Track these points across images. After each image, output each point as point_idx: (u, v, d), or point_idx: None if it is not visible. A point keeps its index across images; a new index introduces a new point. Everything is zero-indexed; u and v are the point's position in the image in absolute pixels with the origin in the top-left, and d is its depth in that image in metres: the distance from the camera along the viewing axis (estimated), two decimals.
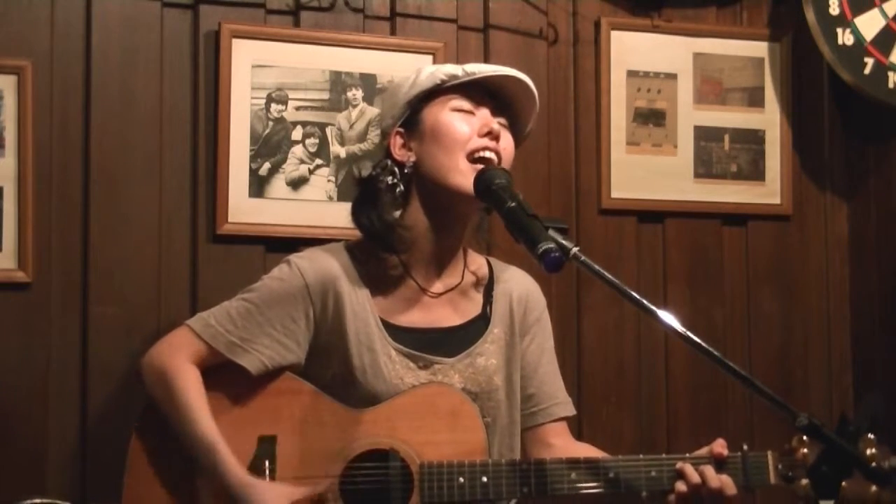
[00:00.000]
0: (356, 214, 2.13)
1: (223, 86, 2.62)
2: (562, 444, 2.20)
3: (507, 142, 2.10)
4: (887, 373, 3.04)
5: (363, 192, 2.15)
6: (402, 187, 2.10)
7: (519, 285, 2.24)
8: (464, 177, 2.03)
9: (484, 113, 2.09)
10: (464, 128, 2.06)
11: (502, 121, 2.11)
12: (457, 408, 2.03)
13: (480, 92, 2.10)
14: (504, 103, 2.13)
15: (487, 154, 2.05)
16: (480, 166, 2.03)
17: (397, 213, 2.12)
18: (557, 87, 2.93)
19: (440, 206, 2.10)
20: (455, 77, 2.08)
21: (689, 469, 1.96)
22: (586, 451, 2.15)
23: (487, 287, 2.21)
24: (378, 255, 2.12)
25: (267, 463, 1.99)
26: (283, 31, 2.70)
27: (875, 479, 1.79)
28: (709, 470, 1.96)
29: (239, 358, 2.04)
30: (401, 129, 2.12)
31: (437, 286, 2.14)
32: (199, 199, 2.63)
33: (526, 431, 2.21)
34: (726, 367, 1.81)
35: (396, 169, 2.10)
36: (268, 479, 1.99)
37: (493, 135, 2.06)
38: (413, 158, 2.09)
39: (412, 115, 2.11)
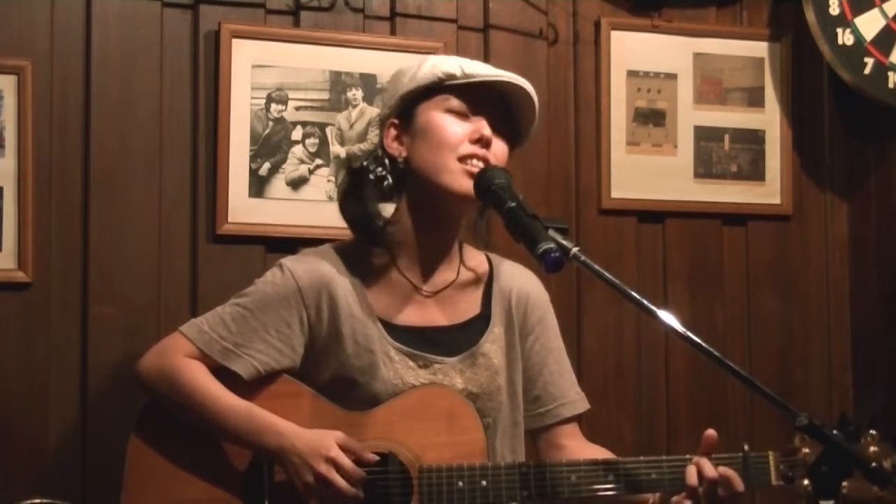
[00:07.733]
0: (341, 204, 2.14)
1: (223, 86, 2.62)
2: (572, 446, 2.18)
3: (498, 148, 2.05)
4: (887, 373, 3.04)
5: (351, 182, 2.13)
6: (390, 180, 2.07)
7: (519, 284, 2.20)
8: (454, 177, 2.01)
9: (478, 119, 2.04)
10: (456, 131, 2.03)
11: (498, 125, 2.06)
12: (454, 409, 2.03)
13: (478, 93, 2.05)
14: (502, 106, 2.09)
15: (476, 161, 2.01)
16: (471, 167, 2.00)
17: (386, 207, 2.10)
18: (557, 87, 2.92)
19: (430, 204, 2.08)
20: (453, 77, 2.04)
21: (706, 465, 1.95)
22: (597, 452, 2.13)
23: (487, 284, 2.18)
24: (367, 254, 2.11)
25: (266, 466, 1.99)
26: (283, 31, 2.70)
27: (875, 478, 1.79)
28: (716, 466, 1.95)
29: (233, 364, 2.02)
30: (395, 121, 2.09)
31: (431, 284, 2.13)
32: (198, 200, 2.63)
33: (536, 434, 2.20)
34: (726, 367, 1.81)
35: (387, 161, 2.08)
36: (267, 481, 1.99)
37: (483, 141, 2.03)
38: (404, 153, 2.07)
39: (408, 108, 2.07)
